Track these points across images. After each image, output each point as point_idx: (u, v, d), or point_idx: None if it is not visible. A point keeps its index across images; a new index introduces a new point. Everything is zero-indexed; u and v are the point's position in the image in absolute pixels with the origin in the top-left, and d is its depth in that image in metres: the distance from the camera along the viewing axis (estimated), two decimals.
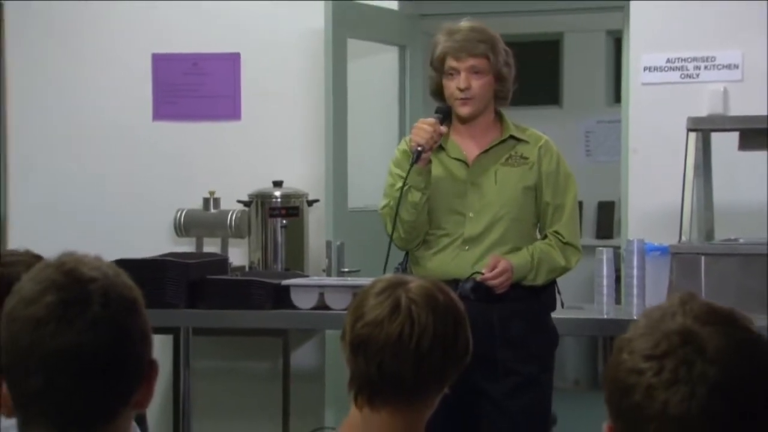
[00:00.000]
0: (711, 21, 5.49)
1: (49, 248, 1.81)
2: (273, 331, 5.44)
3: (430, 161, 3.66)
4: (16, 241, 5.71)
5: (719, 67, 5.48)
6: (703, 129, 4.87)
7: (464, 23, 3.75)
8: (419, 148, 3.60)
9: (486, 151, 3.72)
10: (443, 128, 3.67)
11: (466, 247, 3.68)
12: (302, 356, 5.90)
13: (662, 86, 5.53)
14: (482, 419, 3.61)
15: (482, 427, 3.63)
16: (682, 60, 5.51)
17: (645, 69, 5.56)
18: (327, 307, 4.41)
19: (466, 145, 3.75)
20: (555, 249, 3.70)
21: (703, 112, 5.25)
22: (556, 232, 3.71)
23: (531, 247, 3.67)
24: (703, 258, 4.35)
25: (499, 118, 3.78)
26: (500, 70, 3.68)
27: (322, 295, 4.43)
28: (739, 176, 5.18)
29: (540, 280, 3.67)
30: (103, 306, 1.50)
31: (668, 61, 5.53)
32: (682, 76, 5.51)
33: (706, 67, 5.49)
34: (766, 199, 5.19)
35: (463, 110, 3.69)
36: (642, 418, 1.34)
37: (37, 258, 2.03)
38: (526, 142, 3.74)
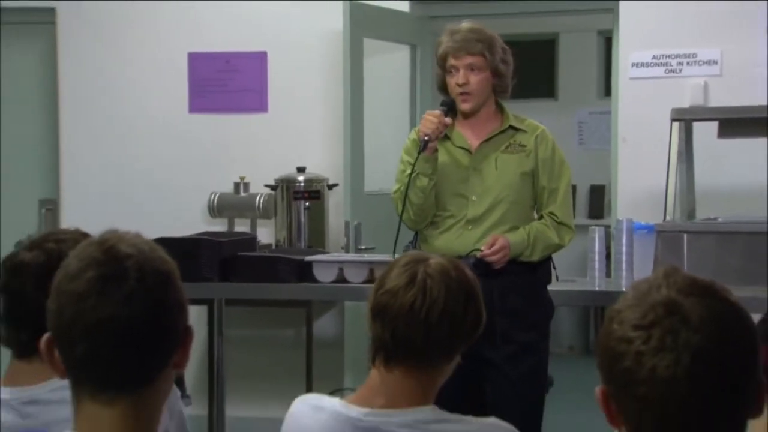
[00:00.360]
0: (692, 21, 5.48)
1: (96, 227, 1.83)
2: (297, 302, 5.45)
3: (436, 149, 3.65)
4: (67, 221, 5.76)
5: (700, 63, 5.47)
6: (685, 119, 4.85)
7: (464, 24, 3.74)
8: (426, 138, 3.60)
9: (487, 140, 3.71)
10: (448, 119, 3.66)
11: (469, 227, 3.68)
12: (323, 325, 5.91)
13: (648, 81, 5.52)
14: (485, 383, 3.63)
15: (485, 390, 3.64)
16: (666, 57, 5.51)
17: (633, 65, 5.55)
18: (346, 281, 4.42)
19: (469, 134, 3.74)
20: (550, 228, 3.69)
21: (685, 104, 5.25)
22: (551, 213, 3.70)
23: (528, 227, 3.67)
24: (685, 236, 4.34)
25: (500, 109, 3.77)
26: (497, 66, 3.67)
27: (341, 269, 4.44)
28: (719, 162, 5.16)
29: (536, 257, 3.67)
30: (138, 280, 1.50)
31: (654, 57, 5.52)
32: (667, 71, 5.50)
33: (688, 63, 5.48)
34: (743, 182, 5.21)
35: (464, 106, 3.69)
36: (632, 381, 1.34)
37: (85, 236, 2.02)
38: (524, 131, 3.73)
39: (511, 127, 3.73)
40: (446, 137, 3.72)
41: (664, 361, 1.32)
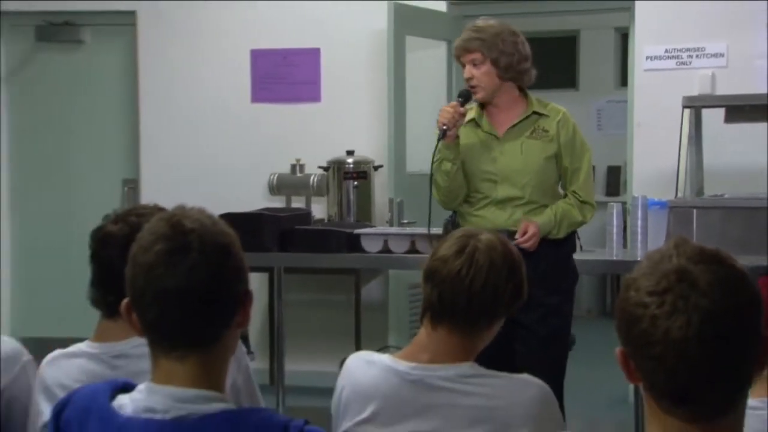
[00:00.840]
0: (701, 19, 5.41)
1: (171, 203, 1.83)
2: (347, 270, 5.48)
3: (457, 137, 3.60)
4: (146, 198, 5.79)
5: (708, 55, 5.41)
6: (695, 106, 4.84)
7: (472, 24, 3.69)
8: (444, 127, 3.55)
9: (513, 126, 3.65)
10: (463, 109, 3.60)
11: (499, 208, 3.63)
12: (370, 290, 5.91)
13: (661, 72, 5.46)
14: (516, 342, 3.61)
15: (515, 349, 3.63)
16: (677, 50, 5.45)
17: (647, 58, 5.51)
18: (390, 251, 4.42)
19: (496, 121, 3.67)
20: (574, 207, 3.62)
21: (694, 93, 5.19)
22: (574, 191, 3.64)
23: (554, 207, 3.60)
24: (695, 210, 4.31)
25: (525, 96, 3.69)
26: (496, 58, 3.56)
27: (386, 241, 4.44)
28: (725, 144, 5.11)
29: (561, 234, 3.61)
30: (200, 252, 1.49)
31: (666, 51, 5.46)
32: (678, 63, 5.45)
33: (697, 56, 5.43)
34: (746, 162, 5.16)
35: (476, 96, 3.63)
36: (648, 342, 1.32)
37: (162, 210, 2.04)
38: (547, 116, 3.65)
39: (534, 112, 3.66)
40: (477, 124, 3.67)
41: (676, 323, 1.30)
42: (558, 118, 3.65)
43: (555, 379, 3.58)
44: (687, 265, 1.34)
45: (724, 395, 1.34)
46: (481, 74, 3.59)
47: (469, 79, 3.61)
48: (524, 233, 3.50)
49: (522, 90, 3.70)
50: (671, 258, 1.35)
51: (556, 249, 3.64)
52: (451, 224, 3.71)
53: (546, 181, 3.65)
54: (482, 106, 3.69)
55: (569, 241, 3.72)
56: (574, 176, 3.66)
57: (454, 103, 3.63)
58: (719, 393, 1.34)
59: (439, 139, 3.60)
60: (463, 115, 3.61)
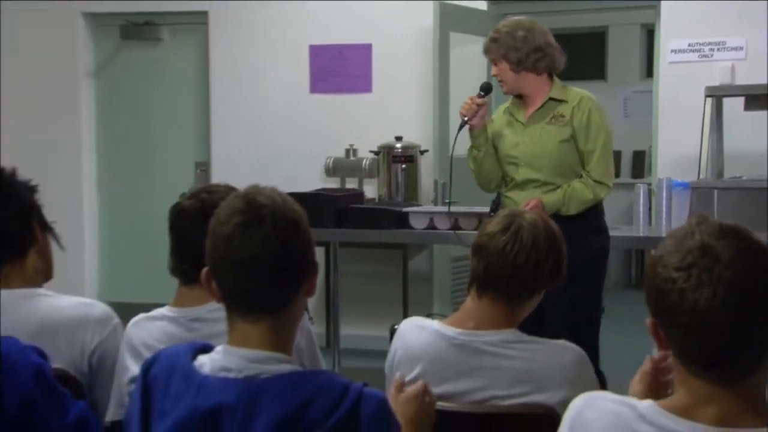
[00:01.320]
0: (722, 15, 5.31)
1: (238, 184, 1.82)
2: (395, 245, 5.47)
3: (485, 126, 3.61)
4: (216, 179, 5.83)
5: (728, 49, 5.32)
6: (716, 95, 4.77)
7: (501, 22, 3.69)
8: (465, 118, 3.58)
9: (534, 113, 3.59)
10: (480, 100, 3.60)
11: (521, 188, 3.60)
12: (416, 263, 5.90)
13: (684, 64, 5.38)
14: (543, 309, 3.53)
15: (544, 308, 3.54)
16: (699, 44, 5.36)
17: (671, 51, 5.42)
18: (435, 228, 4.41)
19: (523, 109, 3.63)
20: (587, 186, 3.53)
21: (716, 83, 5.10)
22: (588, 172, 3.55)
23: (565, 187, 3.53)
24: (715, 191, 4.24)
25: (553, 83, 3.62)
26: (505, 54, 3.54)
27: (431, 219, 4.43)
28: (743, 130, 5.02)
29: (572, 211, 3.52)
30: (272, 225, 1.49)
31: (689, 45, 5.38)
32: (700, 56, 5.36)
33: (718, 49, 5.34)
34: (763, 147, 5.07)
35: (503, 90, 3.65)
36: (677, 313, 1.32)
37: (232, 189, 2.02)
38: (565, 101, 3.57)
39: (551, 99, 3.59)
40: (510, 113, 3.64)
41: (703, 294, 1.30)
42: (575, 103, 3.57)
43: (583, 343, 3.54)
44: (709, 240, 1.32)
45: (749, 359, 1.33)
46: (499, 71, 3.58)
47: (495, 75, 3.61)
48: (525, 206, 3.44)
49: (552, 78, 3.63)
50: (694, 235, 1.34)
51: (569, 223, 3.49)
52: (496, 205, 3.68)
53: (565, 163, 3.57)
54: (519, 96, 3.64)
55: (584, 218, 3.59)
56: (589, 158, 3.56)
57: (474, 96, 3.62)
58: (744, 357, 1.33)
59: (460, 128, 3.61)
60: (481, 106, 3.59)
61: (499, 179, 3.68)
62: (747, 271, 1.30)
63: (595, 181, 3.55)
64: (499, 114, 3.72)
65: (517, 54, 3.55)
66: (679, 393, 1.37)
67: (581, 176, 3.59)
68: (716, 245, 1.31)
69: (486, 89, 3.67)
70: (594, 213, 3.63)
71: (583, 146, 3.56)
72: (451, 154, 3.70)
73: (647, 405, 1.37)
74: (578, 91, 3.65)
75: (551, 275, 2.15)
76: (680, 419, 1.34)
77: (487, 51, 3.62)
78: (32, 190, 2.27)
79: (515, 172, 3.61)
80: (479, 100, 3.60)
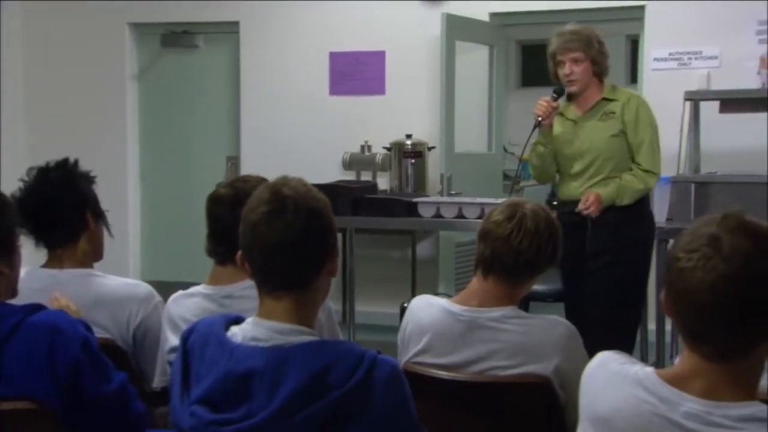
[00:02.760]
0: (699, 27, 5.27)
1: (264, 175, 1.81)
2: (406, 231, 5.47)
3: (551, 126, 3.57)
4: (244, 171, 5.83)
5: (704, 58, 5.28)
6: (694, 99, 4.75)
7: (567, 27, 3.61)
8: (539, 118, 3.53)
9: (587, 111, 3.58)
10: (556, 103, 3.55)
11: (574, 179, 3.58)
12: (424, 248, 5.88)
13: (665, 71, 5.34)
14: (586, 278, 3.51)
15: (587, 284, 3.53)
16: (679, 53, 5.33)
17: (654, 59, 5.39)
18: (441, 216, 4.39)
19: (577, 109, 3.61)
20: (637, 177, 3.49)
21: (693, 88, 5.04)
22: (637, 163, 3.51)
23: (618, 180, 3.49)
24: (692, 185, 4.22)
25: (603, 86, 3.59)
26: (594, 57, 3.52)
27: (438, 208, 4.42)
28: (718, 131, 4.97)
29: (626, 201, 3.48)
30: (294, 213, 1.49)
31: (670, 54, 5.34)
32: (679, 64, 5.33)
33: (695, 58, 5.30)
34: (736, 145, 5.05)
35: (571, 89, 3.56)
36: (676, 288, 1.33)
37: (263, 179, 2.03)
38: (616, 100, 3.54)
39: (604, 98, 3.56)
40: (562, 114, 3.61)
41: (694, 278, 1.30)
42: (624, 101, 3.54)
43: (620, 323, 3.45)
44: (720, 233, 1.31)
45: (736, 342, 1.32)
46: (580, 70, 3.51)
47: (568, 75, 3.51)
48: (586, 201, 3.44)
49: (602, 81, 3.60)
50: (710, 225, 1.33)
51: (623, 212, 3.51)
52: (552, 196, 3.66)
53: (615, 156, 3.53)
54: (569, 97, 3.61)
55: (637, 207, 3.55)
56: (639, 150, 3.52)
57: (548, 98, 3.56)
58: (731, 339, 1.32)
59: (534, 128, 3.57)
60: (556, 108, 3.56)
61: (555, 173, 3.68)
62: (743, 269, 1.29)
63: (645, 170, 3.51)
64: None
65: (602, 57, 3.55)
66: (679, 362, 1.38)
67: (631, 168, 3.53)
68: (725, 239, 1.30)
69: (560, 92, 3.60)
70: (639, 202, 3.56)
71: (633, 139, 3.52)
72: (521, 155, 3.71)
73: (648, 371, 1.38)
74: (627, 91, 3.65)
75: (550, 259, 2.14)
76: (671, 388, 1.34)
77: (569, 49, 3.50)
78: (90, 180, 2.29)
79: (569, 166, 3.59)
80: (554, 103, 3.55)
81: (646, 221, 3.62)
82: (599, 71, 3.57)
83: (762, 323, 1.31)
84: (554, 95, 3.58)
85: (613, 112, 3.54)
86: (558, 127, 3.62)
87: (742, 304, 1.29)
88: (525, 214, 2.10)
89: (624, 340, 3.39)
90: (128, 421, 1.80)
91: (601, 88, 3.59)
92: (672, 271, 1.34)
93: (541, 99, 3.57)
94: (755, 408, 1.30)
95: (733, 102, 4.74)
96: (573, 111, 3.62)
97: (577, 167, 3.58)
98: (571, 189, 3.59)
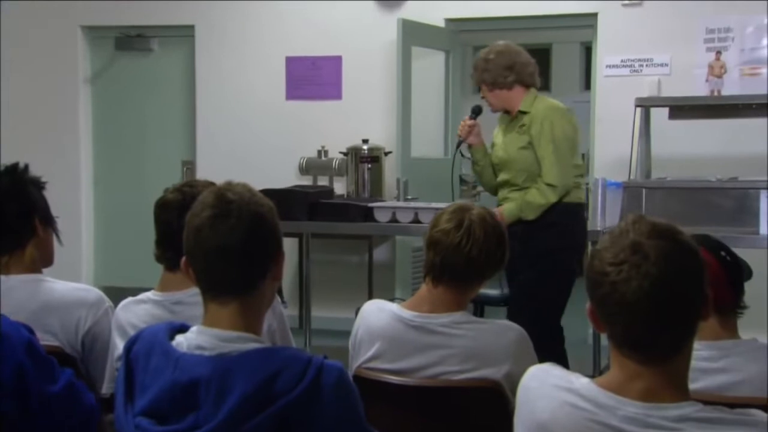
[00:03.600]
0: (650, 35, 5.34)
1: (219, 180, 1.79)
2: (362, 236, 5.45)
3: (482, 143, 3.72)
4: (201, 176, 5.78)
5: (655, 65, 5.35)
6: (645, 105, 4.81)
7: (478, 56, 3.70)
8: (460, 138, 3.72)
9: (509, 124, 3.65)
10: (472, 122, 3.69)
11: (499, 187, 3.71)
12: (381, 252, 5.90)
13: (618, 78, 5.41)
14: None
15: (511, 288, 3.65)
16: (630, 60, 5.39)
17: (606, 66, 5.46)
18: (397, 221, 4.38)
19: (507, 120, 3.69)
20: (539, 191, 3.51)
21: (645, 95, 5.13)
22: (540, 176, 3.55)
23: (519, 196, 3.55)
24: (644, 190, 4.28)
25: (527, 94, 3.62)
26: (481, 78, 3.62)
27: (394, 213, 4.39)
28: (668, 136, 5.07)
29: (531, 216, 3.52)
30: (237, 218, 1.48)
31: (622, 61, 5.41)
32: (631, 71, 5.40)
33: (646, 65, 5.37)
34: (685, 151, 5.13)
35: (491, 110, 3.73)
36: (609, 303, 1.34)
37: (211, 184, 2.01)
38: (529, 113, 3.58)
39: (520, 111, 3.61)
40: (499, 126, 3.73)
41: (631, 287, 1.31)
42: (534, 113, 3.57)
43: (541, 326, 3.37)
44: (640, 239, 1.33)
45: (671, 343, 1.34)
46: (490, 97, 3.65)
47: (483, 98, 3.70)
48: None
49: (529, 88, 3.63)
50: (628, 233, 1.34)
51: (528, 223, 3.55)
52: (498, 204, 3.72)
53: (527, 168, 3.58)
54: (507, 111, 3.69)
55: (542, 217, 3.57)
56: (542, 163, 3.56)
57: (466, 118, 3.73)
58: (667, 341, 1.34)
59: (456, 147, 3.77)
60: (473, 126, 3.69)
61: (497, 184, 3.75)
62: (672, 268, 1.31)
63: (547, 184, 3.54)
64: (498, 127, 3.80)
65: (491, 75, 3.58)
66: (612, 371, 1.39)
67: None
68: (646, 244, 1.32)
69: (477, 111, 3.75)
70: (548, 211, 3.57)
71: (537, 152, 3.56)
72: (452, 165, 3.94)
73: (584, 381, 1.39)
74: (544, 103, 3.61)
75: (499, 263, 2.15)
76: (609, 393, 1.35)
77: (476, 83, 3.69)
78: (40, 186, 2.25)
79: (498, 176, 3.71)
80: (470, 122, 3.68)
81: (556, 228, 3.58)
82: (501, 86, 3.59)
83: (692, 318, 1.35)
84: (472, 114, 3.73)
85: (524, 125, 3.58)
86: (497, 138, 3.74)
87: (676, 303, 1.32)
88: (473, 221, 2.10)
89: (551, 346, 3.38)
90: (79, 417, 1.78)
91: (524, 98, 3.62)
92: (602, 285, 1.34)
93: (462, 120, 3.72)
94: (691, 408, 1.32)
95: (683, 108, 4.82)
96: (505, 122, 3.70)
97: (501, 177, 3.69)
98: (499, 196, 3.73)
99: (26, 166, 2.23)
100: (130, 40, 6.27)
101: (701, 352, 1.80)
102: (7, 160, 2.24)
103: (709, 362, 1.83)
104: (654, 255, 1.31)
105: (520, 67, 3.61)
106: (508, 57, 3.60)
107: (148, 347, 1.49)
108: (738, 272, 1.94)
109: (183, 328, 1.54)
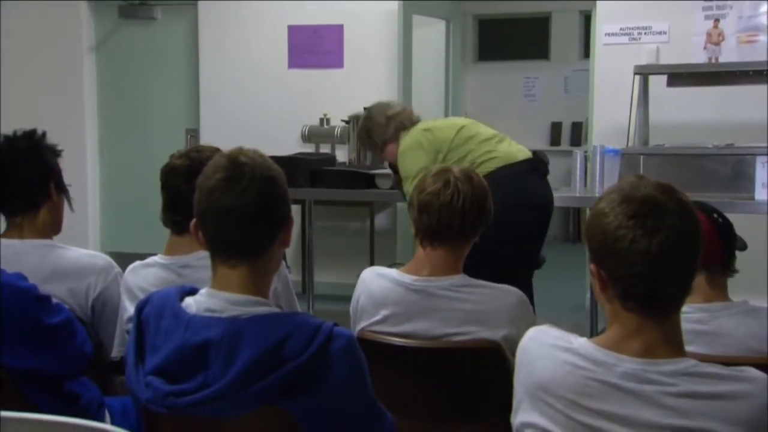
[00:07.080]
0: (649, 3, 5.28)
1: (222, 147, 1.80)
2: (364, 202, 5.47)
3: None
4: (204, 140, 5.79)
5: (654, 33, 5.30)
6: (643, 73, 4.78)
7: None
8: None
9: None
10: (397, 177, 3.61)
11: None
12: (382, 219, 5.90)
13: (617, 46, 5.36)
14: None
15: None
16: (629, 28, 5.34)
17: (605, 35, 5.41)
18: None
19: None
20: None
21: (643, 62, 5.10)
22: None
23: None
24: (641, 157, 4.28)
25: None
26: (373, 142, 3.60)
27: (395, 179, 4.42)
28: (666, 104, 5.04)
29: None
30: (250, 180, 1.48)
31: (621, 29, 5.36)
32: (630, 39, 5.35)
33: (645, 33, 5.32)
34: (684, 118, 5.11)
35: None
36: (628, 257, 1.32)
37: (217, 150, 2.01)
38: None
39: None
40: None
41: (656, 239, 1.30)
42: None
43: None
44: (655, 192, 1.33)
45: (677, 297, 1.36)
46: (384, 155, 3.61)
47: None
48: None
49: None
50: (640, 189, 1.34)
51: None
52: None
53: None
54: None
55: None
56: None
57: None
58: (675, 295, 1.35)
59: None
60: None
61: None
62: (689, 221, 1.32)
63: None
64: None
65: (363, 143, 3.69)
66: (610, 329, 1.39)
67: None
68: (662, 197, 1.32)
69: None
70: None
71: None
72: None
73: (582, 341, 1.39)
74: (409, 134, 3.50)
75: (488, 215, 2.17)
76: (607, 351, 1.36)
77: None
78: (56, 153, 2.26)
79: None
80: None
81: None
82: (385, 141, 3.55)
83: (695, 272, 1.36)
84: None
85: None
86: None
87: (692, 254, 1.33)
88: (458, 178, 2.12)
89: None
90: (71, 353, 1.91)
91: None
92: (619, 240, 1.32)
93: None
94: (687, 363, 1.34)
95: (681, 76, 4.79)
96: None
97: None
98: None
99: (44, 133, 2.25)
100: (134, 9, 6.22)
101: (692, 315, 1.82)
102: (13, 128, 2.25)
103: (700, 324, 1.85)
104: (674, 207, 1.31)
105: (372, 123, 3.60)
106: (364, 122, 3.63)
107: (159, 309, 1.50)
108: (729, 233, 1.95)
109: (193, 291, 1.54)
